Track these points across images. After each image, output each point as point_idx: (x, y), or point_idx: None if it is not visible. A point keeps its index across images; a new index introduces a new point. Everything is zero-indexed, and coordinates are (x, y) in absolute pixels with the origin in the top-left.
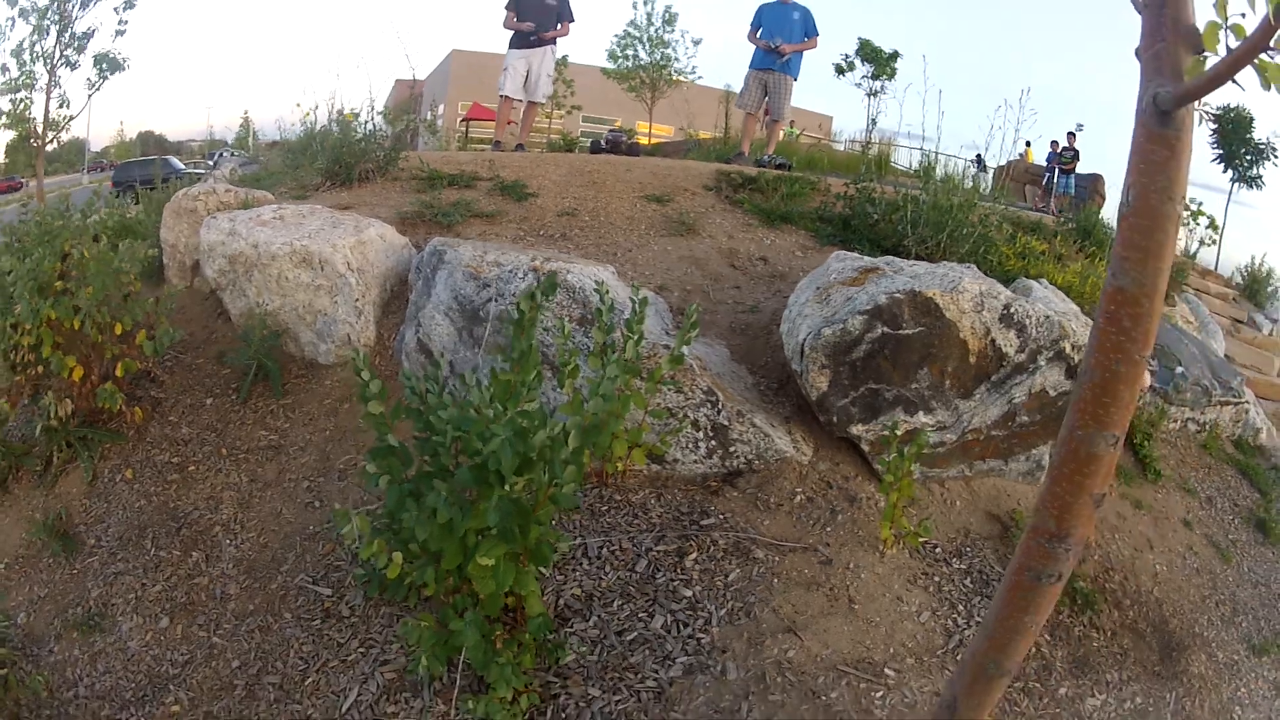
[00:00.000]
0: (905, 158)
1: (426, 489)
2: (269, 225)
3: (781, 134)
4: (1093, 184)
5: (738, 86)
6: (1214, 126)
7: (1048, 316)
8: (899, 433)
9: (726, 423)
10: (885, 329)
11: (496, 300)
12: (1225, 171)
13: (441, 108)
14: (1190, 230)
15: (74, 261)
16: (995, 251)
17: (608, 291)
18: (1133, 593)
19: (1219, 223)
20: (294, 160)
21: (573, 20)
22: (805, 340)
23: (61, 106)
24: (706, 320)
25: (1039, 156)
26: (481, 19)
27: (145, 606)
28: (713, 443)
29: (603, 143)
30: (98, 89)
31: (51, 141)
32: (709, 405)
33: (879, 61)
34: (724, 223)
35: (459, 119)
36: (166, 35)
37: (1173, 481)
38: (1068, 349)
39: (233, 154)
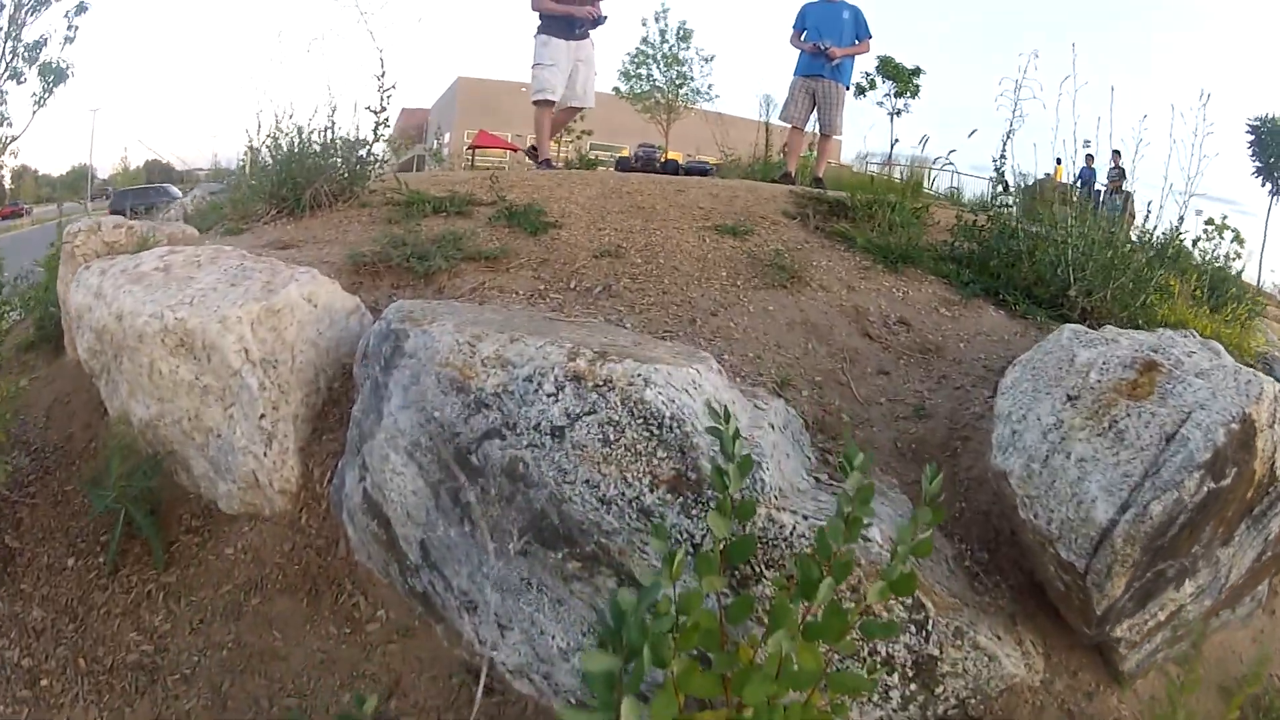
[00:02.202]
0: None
1: None
2: (144, 282)
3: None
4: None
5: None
6: (1251, 138)
7: None
8: (1162, 616)
9: (937, 650)
10: (1210, 484)
11: (504, 434)
12: (1264, 185)
13: (448, 135)
14: (1215, 246)
15: None
16: (1166, 304)
17: (735, 435)
18: None
19: (1253, 237)
20: (238, 186)
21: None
22: (1110, 524)
23: (2, 124)
24: (861, 439)
25: (1061, 170)
26: (487, 47)
27: None
28: (911, 687)
29: (633, 160)
30: (43, 104)
31: None
32: (912, 628)
33: (901, 78)
34: (833, 266)
35: (465, 147)
36: (181, 64)
37: None
38: None
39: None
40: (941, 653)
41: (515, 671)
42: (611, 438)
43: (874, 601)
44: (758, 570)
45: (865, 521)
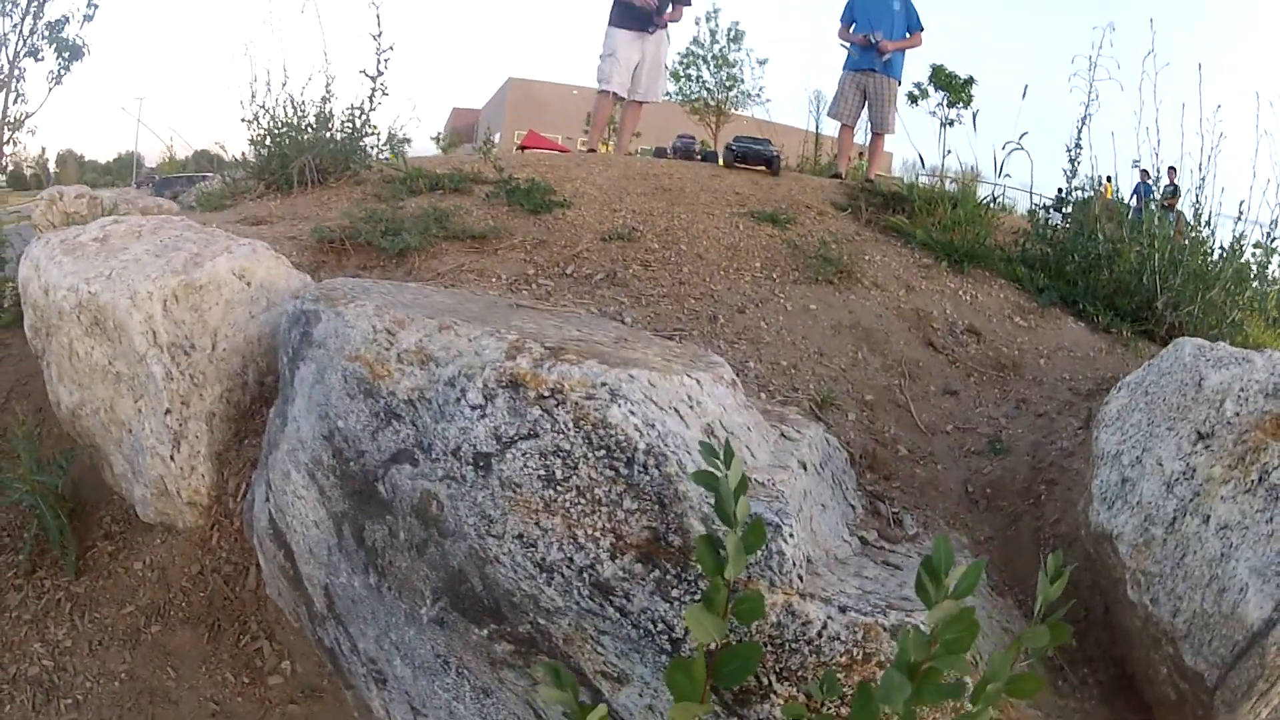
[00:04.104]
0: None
1: None
2: (77, 253)
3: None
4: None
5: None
6: None
7: None
8: (1262, 714)
9: None
10: None
11: (416, 458)
12: None
13: (497, 135)
14: None
15: None
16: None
17: (741, 486)
18: None
19: None
20: (232, 164)
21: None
22: (1266, 625)
23: (18, 102)
24: (922, 480)
25: (1110, 188)
26: (539, 48)
27: None
28: None
29: (670, 151)
30: (59, 80)
31: (9, 142)
32: None
33: (953, 88)
34: (889, 263)
35: (515, 147)
36: (230, 53)
37: None
38: None
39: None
40: None
41: None
42: (558, 475)
43: None
44: (765, 683)
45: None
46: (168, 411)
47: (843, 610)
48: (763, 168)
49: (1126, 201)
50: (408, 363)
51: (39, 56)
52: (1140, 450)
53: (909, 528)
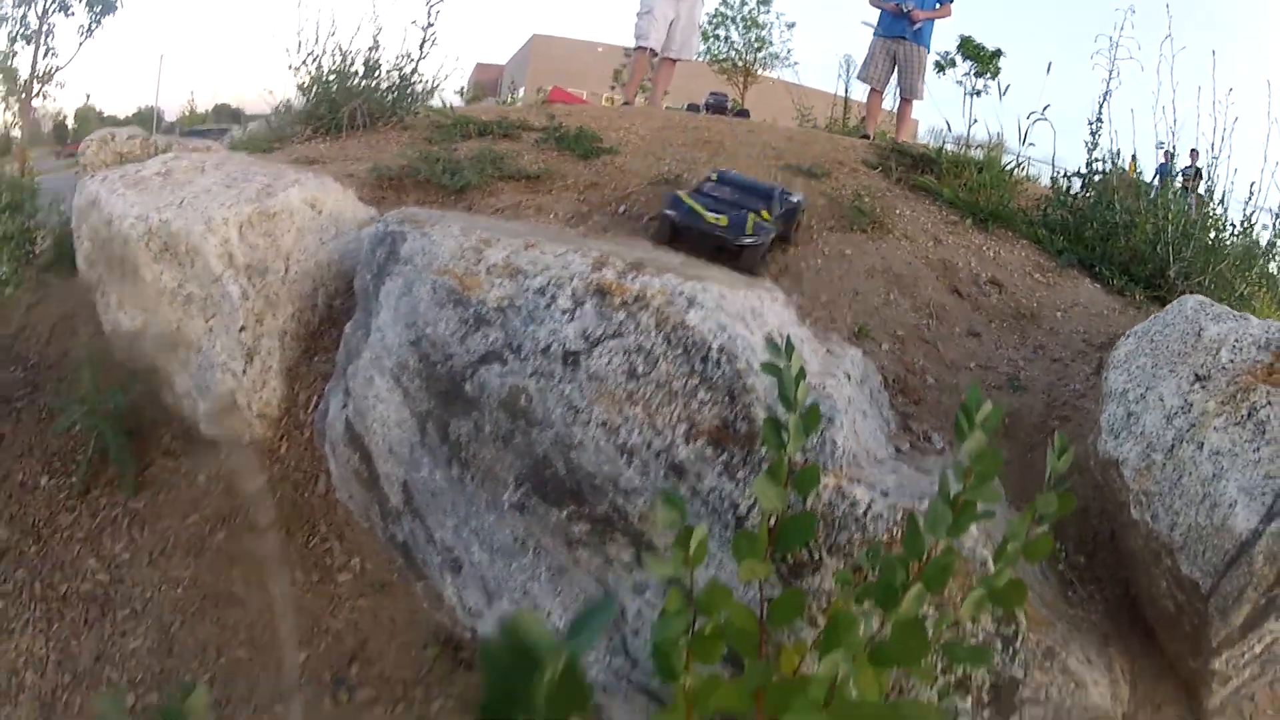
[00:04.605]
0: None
1: None
2: (140, 187)
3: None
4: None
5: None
6: None
7: None
8: (1259, 649)
9: (1021, 673)
10: None
11: (505, 358)
12: None
13: (521, 90)
14: None
15: None
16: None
17: (800, 376)
18: None
19: None
20: (276, 109)
21: None
22: (1252, 535)
23: (48, 55)
24: (947, 407)
25: (1134, 166)
26: (564, 5)
27: None
28: (984, 713)
29: (703, 107)
30: (90, 34)
31: (38, 94)
32: (999, 643)
33: (981, 59)
34: (917, 217)
35: (540, 103)
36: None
37: None
38: None
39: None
40: (1026, 675)
41: None
42: (640, 370)
43: (966, 615)
44: (817, 556)
45: (982, 509)
46: (242, 329)
47: (884, 494)
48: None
49: (1149, 181)
50: (496, 275)
51: (69, 11)
52: (1144, 389)
53: (936, 443)
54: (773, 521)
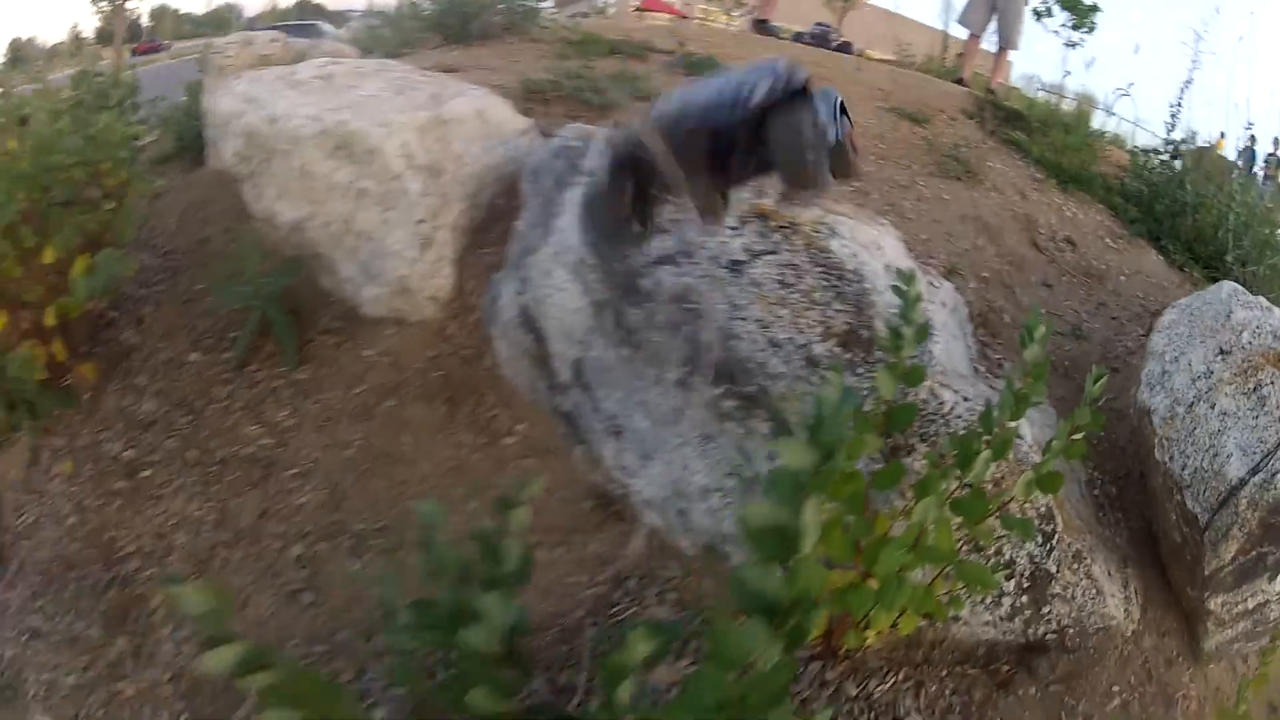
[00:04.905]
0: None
1: None
2: (302, 89)
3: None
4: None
5: None
6: None
7: None
8: (1250, 605)
9: (1054, 568)
10: None
11: (679, 262)
12: None
13: None
14: None
15: None
16: None
17: (917, 299)
18: None
19: None
20: (399, 16)
21: None
22: (1239, 482)
23: None
24: (1019, 345)
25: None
26: None
27: (55, 706)
28: (1023, 599)
29: (808, 37)
30: None
31: None
32: (1039, 538)
33: (1078, 11)
34: (1007, 172)
35: (632, 8)
36: None
37: None
38: None
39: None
40: (1058, 571)
41: (649, 504)
42: (789, 281)
43: (1018, 496)
44: (911, 442)
45: (1034, 400)
46: (420, 221)
47: (965, 400)
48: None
49: (1234, 160)
50: None
51: None
52: (1178, 353)
53: (1007, 371)
54: (884, 409)
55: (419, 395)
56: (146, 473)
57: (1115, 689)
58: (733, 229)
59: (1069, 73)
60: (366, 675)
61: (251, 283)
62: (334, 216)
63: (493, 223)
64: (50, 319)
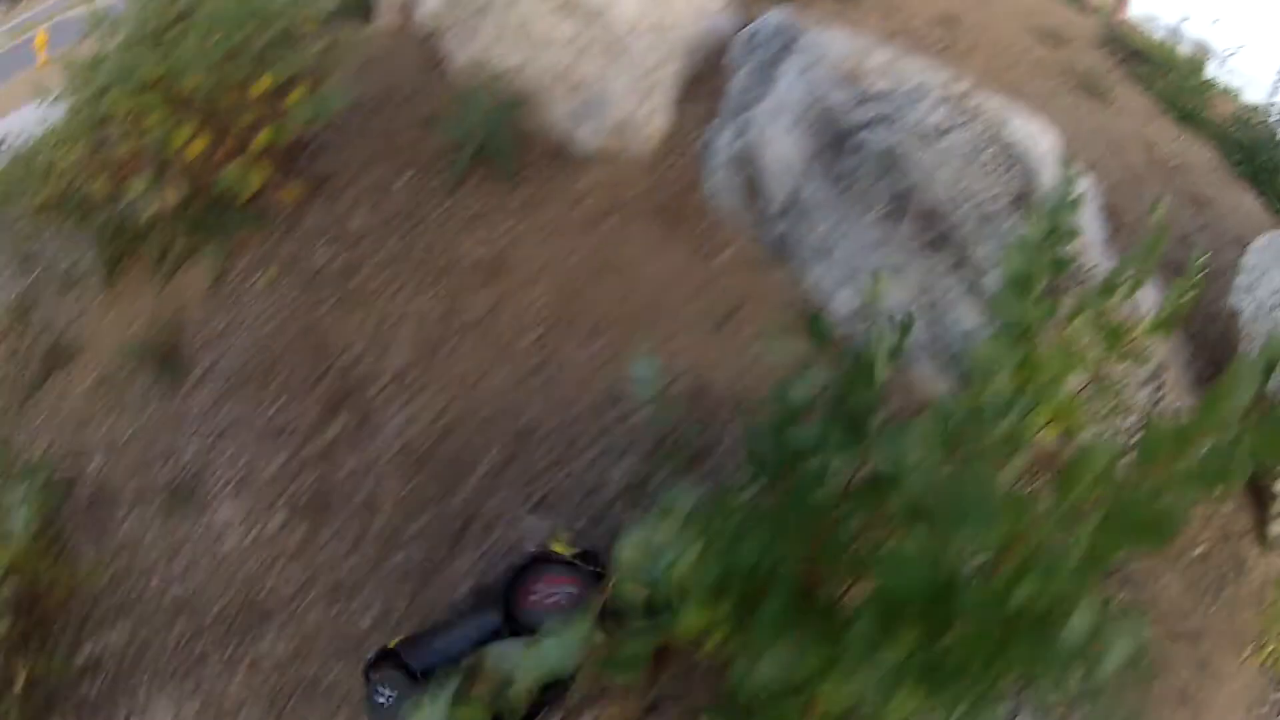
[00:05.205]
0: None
1: None
2: None
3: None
4: None
5: None
6: None
7: None
8: None
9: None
10: None
11: (881, 127)
12: None
13: None
14: None
15: None
16: None
17: (1076, 175)
18: None
19: None
20: None
21: None
22: None
23: None
24: (1137, 241)
25: None
26: None
27: (253, 492)
28: (1139, 436)
29: None
30: None
31: None
32: (1152, 386)
33: None
34: (1131, 100)
35: None
36: None
37: None
38: None
39: None
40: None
41: (842, 320)
42: (974, 151)
43: (1143, 334)
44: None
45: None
46: (647, 70)
47: (1095, 265)
48: None
49: None
50: (878, 73)
51: None
52: (1264, 270)
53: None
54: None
55: (637, 215)
56: (359, 281)
57: (1202, 536)
58: (931, 105)
59: (1187, 18)
60: (604, 439)
61: (476, 114)
62: (553, 65)
63: (700, 83)
64: (261, 142)
